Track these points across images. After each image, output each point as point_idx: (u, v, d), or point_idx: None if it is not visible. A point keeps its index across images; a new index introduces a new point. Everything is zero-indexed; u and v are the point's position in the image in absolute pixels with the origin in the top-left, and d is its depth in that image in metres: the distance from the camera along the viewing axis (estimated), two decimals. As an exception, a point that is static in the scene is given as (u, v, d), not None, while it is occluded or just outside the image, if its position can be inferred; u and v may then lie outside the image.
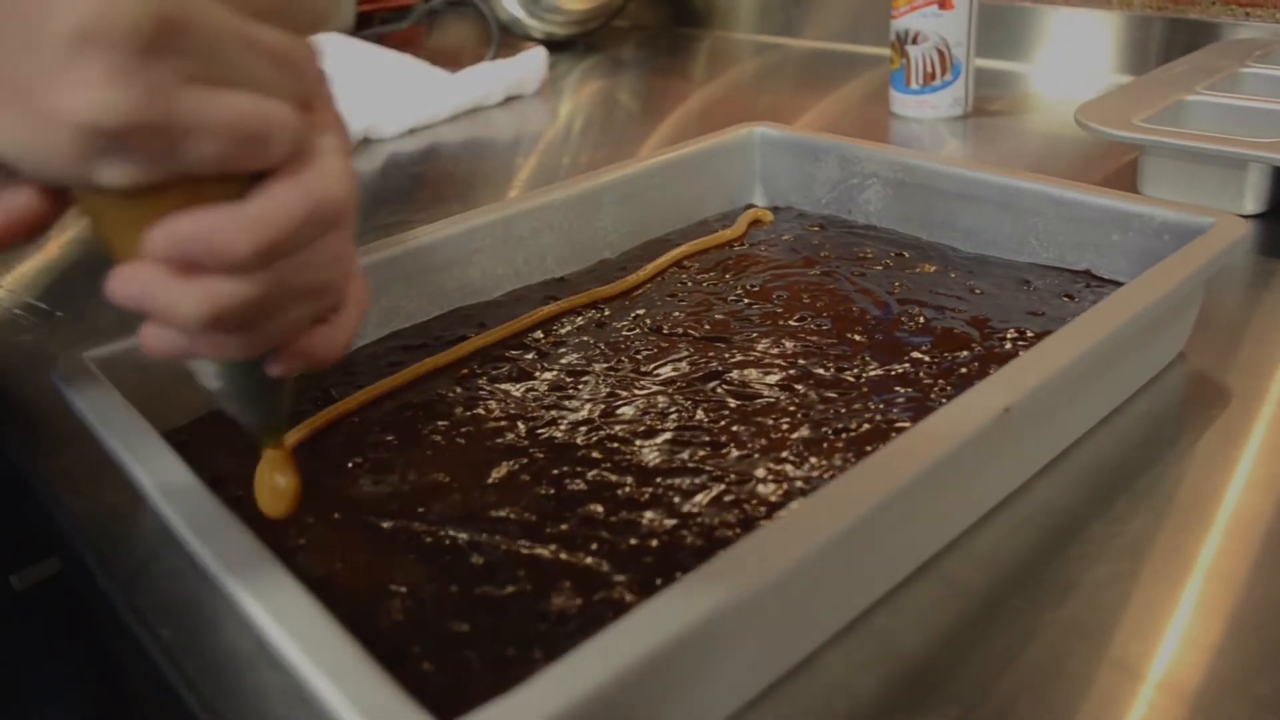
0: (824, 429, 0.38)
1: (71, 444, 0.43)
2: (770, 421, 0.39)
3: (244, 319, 0.27)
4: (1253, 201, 0.60)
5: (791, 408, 0.40)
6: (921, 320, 0.46)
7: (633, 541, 0.33)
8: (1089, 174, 0.69)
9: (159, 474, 0.32)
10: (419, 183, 0.80)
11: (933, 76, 0.82)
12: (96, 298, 0.61)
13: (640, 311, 0.49)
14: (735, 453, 0.37)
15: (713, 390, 0.42)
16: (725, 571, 0.26)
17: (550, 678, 0.23)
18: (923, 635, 0.32)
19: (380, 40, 1.11)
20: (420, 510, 0.36)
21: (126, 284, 0.26)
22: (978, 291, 0.49)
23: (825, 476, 0.36)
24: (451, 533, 0.34)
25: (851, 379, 0.42)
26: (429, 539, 0.34)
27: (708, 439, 0.38)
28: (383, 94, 0.95)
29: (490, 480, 0.37)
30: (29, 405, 0.49)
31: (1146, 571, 0.34)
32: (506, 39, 1.13)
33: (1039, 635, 0.32)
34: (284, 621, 0.26)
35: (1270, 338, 0.48)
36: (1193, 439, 0.41)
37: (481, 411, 0.41)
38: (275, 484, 0.34)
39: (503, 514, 0.35)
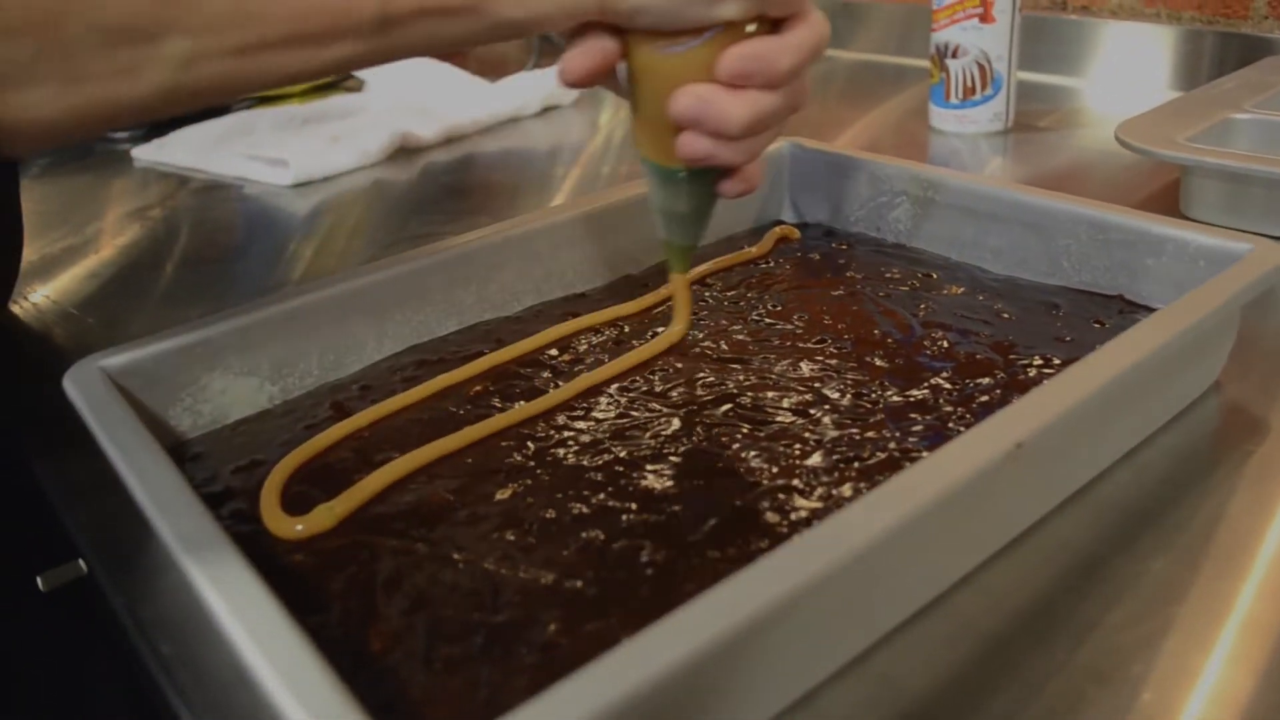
0: (835, 457, 0.37)
1: (88, 452, 0.43)
2: (781, 448, 0.38)
3: (763, 127, 0.36)
4: (1301, 225, 0.57)
5: (805, 434, 0.39)
6: (945, 344, 0.45)
7: (630, 572, 0.32)
8: (1131, 194, 0.67)
9: (157, 488, 0.32)
10: (452, 193, 0.80)
11: (972, 91, 0.80)
12: (129, 305, 0.62)
13: (659, 330, 0.48)
14: (743, 480, 0.37)
15: (725, 414, 0.41)
16: (717, 607, 0.25)
17: (529, 714, 0.23)
18: (927, 676, 0.31)
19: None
20: (422, 530, 0.35)
21: (689, 98, 0.35)
22: (1005, 315, 0.47)
23: (833, 508, 0.35)
24: (452, 554, 0.34)
25: (868, 405, 0.41)
26: (428, 560, 0.34)
27: (716, 465, 0.38)
28: (420, 100, 0.95)
29: (494, 501, 0.37)
30: (50, 411, 0.49)
31: (1173, 616, 0.33)
32: (548, 49, 1.13)
33: (1052, 680, 0.31)
34: (258, 641, 0.25)
35: (1313, 369, 0.46)
36: (1227, 474, 0.39)
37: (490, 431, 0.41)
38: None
39: (504, 537, 0.35)
